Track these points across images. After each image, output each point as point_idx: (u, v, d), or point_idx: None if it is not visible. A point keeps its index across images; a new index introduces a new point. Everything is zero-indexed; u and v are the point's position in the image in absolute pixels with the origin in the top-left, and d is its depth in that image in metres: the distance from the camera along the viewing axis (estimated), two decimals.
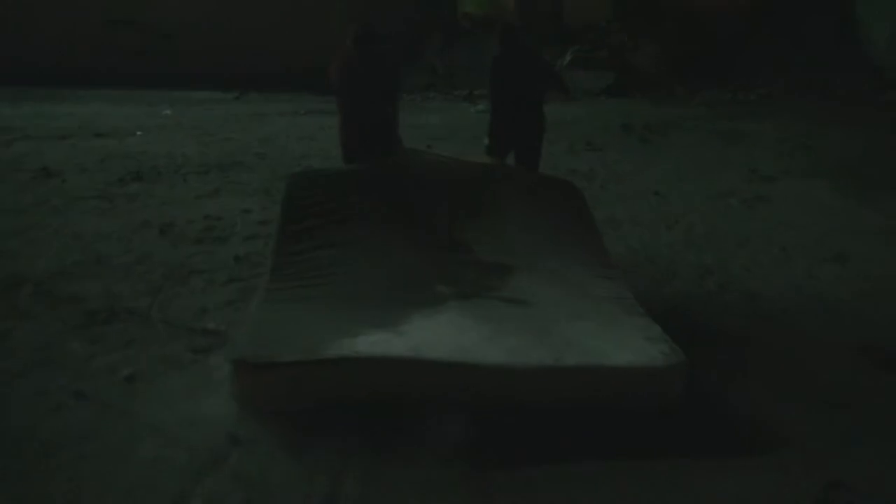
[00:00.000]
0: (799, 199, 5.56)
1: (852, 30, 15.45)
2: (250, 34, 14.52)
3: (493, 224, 3.36)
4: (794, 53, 15.06)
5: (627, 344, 2.50)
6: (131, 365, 2.68)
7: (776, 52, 15.19)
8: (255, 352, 2.35)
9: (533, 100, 4.17)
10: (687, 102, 12.86)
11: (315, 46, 14.26)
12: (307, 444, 2.21)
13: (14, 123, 8.53)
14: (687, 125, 9.96)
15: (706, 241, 4.47)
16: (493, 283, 2.95)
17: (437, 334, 2.46)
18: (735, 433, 2.39)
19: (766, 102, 12.79)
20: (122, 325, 3.04)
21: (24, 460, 2.16)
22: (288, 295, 2.78)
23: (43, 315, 3.15)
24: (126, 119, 9.61)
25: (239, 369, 2.33)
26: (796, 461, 2.21)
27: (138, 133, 8.46)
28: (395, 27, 14.10)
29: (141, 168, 6.37)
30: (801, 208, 5.26)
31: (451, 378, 2.32)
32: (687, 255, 4.19)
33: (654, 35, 15.46)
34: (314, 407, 2.31)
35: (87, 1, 14.28)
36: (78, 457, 2.16)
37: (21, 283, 3.51)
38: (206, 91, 13.10)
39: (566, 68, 13.30)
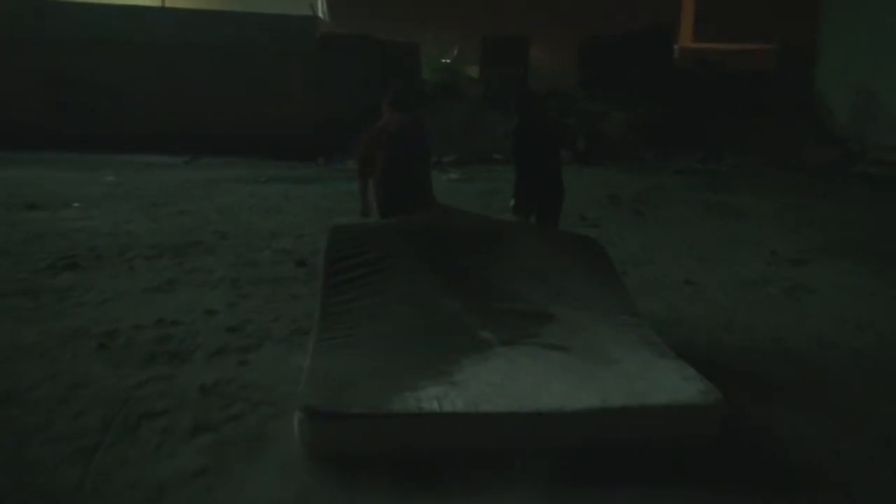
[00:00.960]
0: (843, 287, 4.96)
1: (812, 102, 15.72)
2: (202, 95, 13.66)
3: (526, 274, 3.49)
4: (757, 123, 15.16)
5: (666, 384, 2.63)
6: None
7: (739, 122, 15.27)
8: (325, 401, 2.43)
9: (554, 163, 4.45)
10: (659, 171, 12.54)
11: (273, 111, 13.65)
12: None
13: None
14: (673, 196, 9.52)
15: (778, 348, 3.72)
16: (533, 330, 3.08)
17: (491, 384, 2.59)
18: None
19: (738, 173, 12.58)
20: None
21: None
22: (341, 343, 2.89)
23: None
24: (64, 186, 8.49)
25: (309, 417, 2.38)
26: None
27: (76, 204, 7.34)
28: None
29: (76, 251, 5.32)
30: (853, 300, 4.64)
31: (508, 427, 2.45)
32: (771, 371, 3.38)
33: (620, 103, 15.36)
34: (377, 456, 2.38)
35: (30, 58, 13.21)
36: None
37: None
38: (153, 155, 12.05)
39: None
